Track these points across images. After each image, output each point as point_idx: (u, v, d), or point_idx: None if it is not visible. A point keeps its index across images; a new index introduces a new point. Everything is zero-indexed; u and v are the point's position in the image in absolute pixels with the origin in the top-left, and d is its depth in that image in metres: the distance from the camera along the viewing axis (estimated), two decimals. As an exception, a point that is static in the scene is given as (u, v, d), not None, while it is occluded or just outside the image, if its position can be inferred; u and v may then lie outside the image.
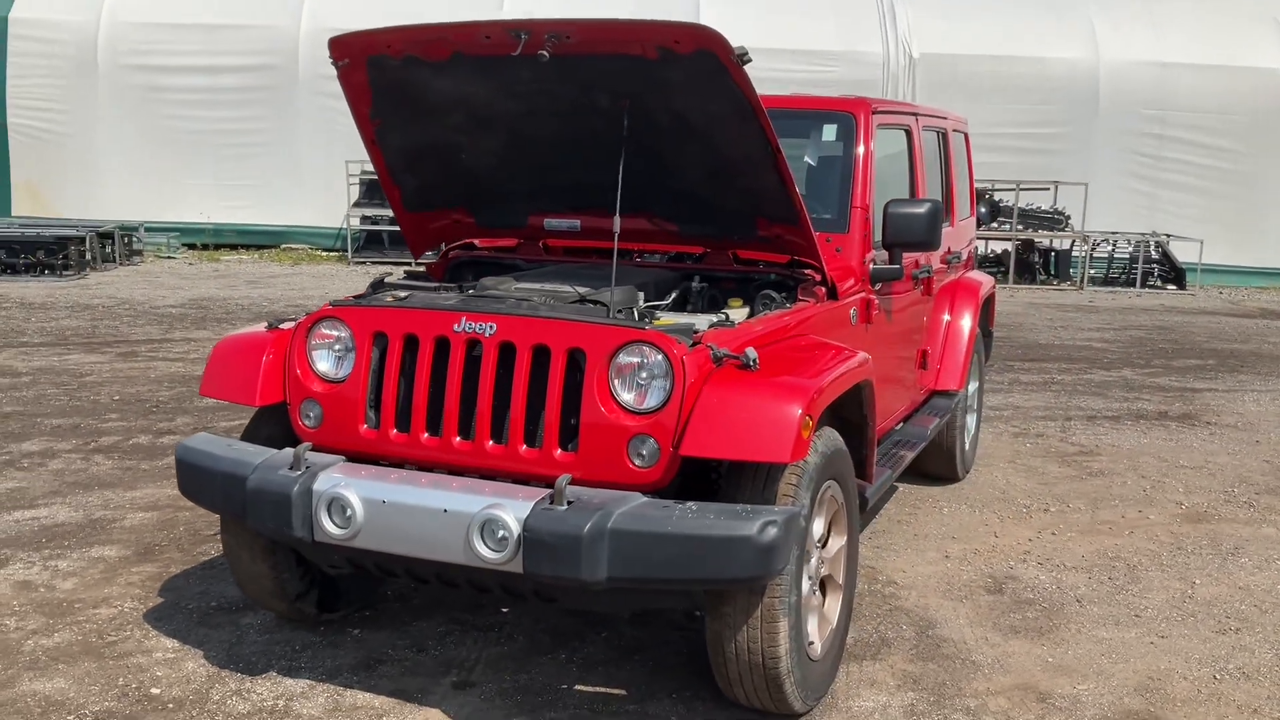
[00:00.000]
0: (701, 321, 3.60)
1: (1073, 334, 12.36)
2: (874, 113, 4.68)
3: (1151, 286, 17.45)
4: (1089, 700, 3.74)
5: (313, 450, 3.50)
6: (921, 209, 4.37)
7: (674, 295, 4.11)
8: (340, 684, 3.69)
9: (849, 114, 4.64)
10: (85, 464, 6.15)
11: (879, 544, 5.18)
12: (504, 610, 4.27)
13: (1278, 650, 4.18)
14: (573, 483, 3.17)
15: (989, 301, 6.48)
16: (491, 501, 3.12)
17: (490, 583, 3.32)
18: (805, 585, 3.40)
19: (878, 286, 4.61)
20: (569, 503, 3.08)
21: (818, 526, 3.52)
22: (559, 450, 3.29)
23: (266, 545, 3.77)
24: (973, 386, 6.34)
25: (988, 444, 7.05)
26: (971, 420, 6.41)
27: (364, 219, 18.04)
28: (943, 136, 5.87)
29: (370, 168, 4.47)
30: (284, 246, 18.93)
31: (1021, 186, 17.31)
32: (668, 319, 3.61)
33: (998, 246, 17.99)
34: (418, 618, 4.22)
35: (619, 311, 3.47)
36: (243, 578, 3.94)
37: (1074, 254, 17.99)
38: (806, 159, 4.75)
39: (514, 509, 3.08)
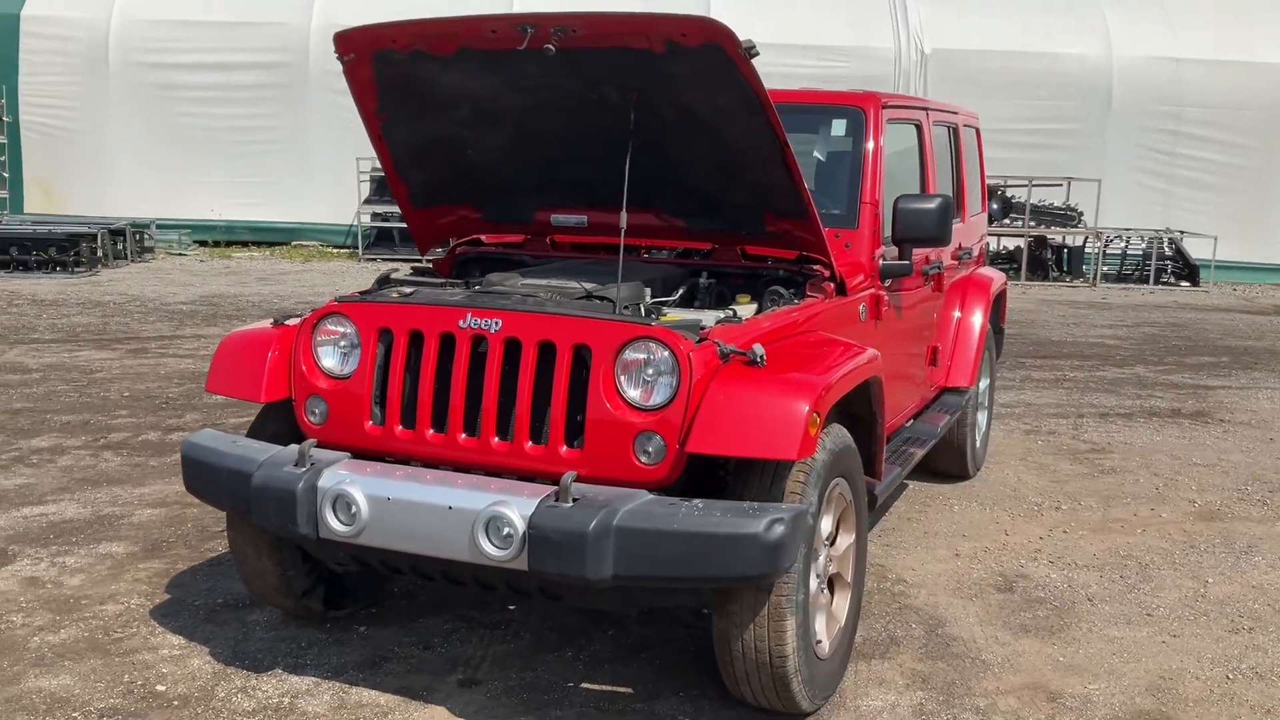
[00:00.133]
0: (708, 318, 3.57)
1: (1085, 331, 12.29)
2: (884, 107, 4.64)
3: (1165, 283, 17.35)
4: (1100, 700, 3.70)
5: (318, 447, 3.48)
6: (932, 204, 4.34)
7: (681, 291, 4.09)
8: (346, 681, 3.68)
9: (858, 109, 4.60)
10: (94, 460, 6.16)
11: (888, 541, 5.15)
12: (511, 608, 4.25)
13: (1292, 650, 4.14)
14: (578, 480, 3.15)
15: (1000, 298, 6.44)
16: (496, 499, 3.10)
17: (496, 580, 3.30)
18: (813, 583, 3.37)
19: (887, 283, 4.57)
20: (574, 500, 3.06)
21: (826, 524, 3.49)
22: (565, 447, 3.27)
23: (272, 542, 3.76)
24: (984, 383, 6.30)
25: (999, 441, 7.00)
26: (982, 417, 6.38)
27: (375, 216, 18.05)
28: (953, 131, 5.83)
29: (380, 164, 4.47)
30: (295, 243, 18.96)
31: (1034, 183, 17.24)
32: (674, 315, 3.58)
33: (1010, 243, 17.91)
34: (424, 615, 4.20)
35: (625, 307, 3.45)
36: (249, 574, 3.93)
37: (1087, 250, 17.91)
38: (816, 154, 4.72)
39: (519, 506, 3.06)
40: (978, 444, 6.22)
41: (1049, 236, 17.86)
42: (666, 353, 3.19)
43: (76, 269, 14.82)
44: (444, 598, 4.33)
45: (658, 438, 3.18)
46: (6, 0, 18.83)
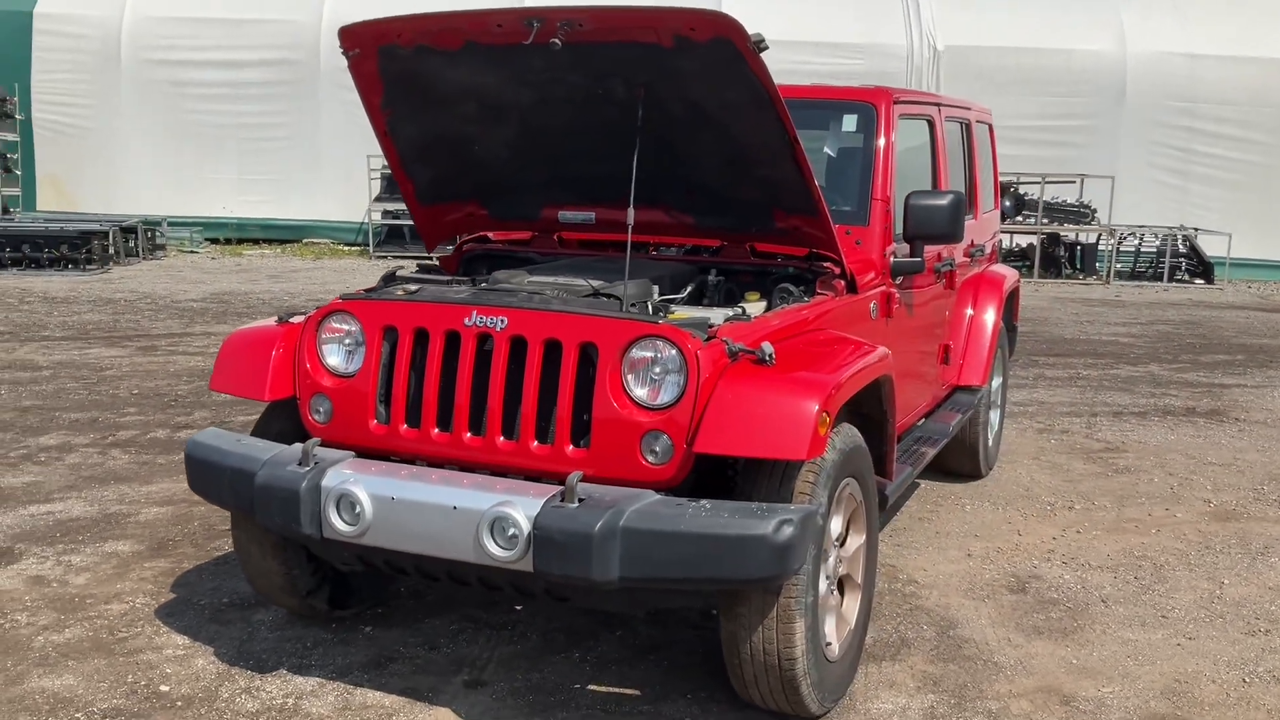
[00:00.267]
0: (717, 315, 3.53)
1: (1099, 329, 12.21)
2: (895, 103, 4.59)
3: (1179, 281, 17.24)
4: (1114, 704, 3.65)
5: (322, 446, 3.45)
6: (944, 201, 4.29)
7: (689, 289, 4.04)
8: (350, 682, 3.65)
9: (870, 104, 4.55)
10: (102, 458, 6.14)
11: (899, 542, 5.10)
12: (517, 608, 4.22)
13: (1309, 653, 4.08)
14: (585, 480, 3.11)
15: (1013, 295, 6.38)
16: (501, 499, 3.07)
17: (501, 581, 3.27)
18: (822, 585, 3.33)
19: (898, 280, 4.52)
20: (580, 500, 3.02)
21: (836, 525, 3.44)
22: (571, 446, 3.23)
23: (277, 541, 3.73)
24: (996, 382, 6.24)
25: (1011, 440, 6.94)
26: (995, 416, 6.32)
27: (385, 213, 18.06)
28: (966, 128, 5.77)
29: (386, 161, 4.43)
30: (306, 241, 18.97)
31: (1047, 180, 17.14)
32: (682, 313, 3.54)
33: (1023, 240, 17.81)
34: (431, 615, 4.17)
35: (632, 305, 3.41)
36: (253, 574, 3.90)
37: (1100, 248, 17.82)
38: (826, 150, 4.66)
39: (524, 506, 3.02)
40: (990, 443, 6.16)
41: (1062, 233, 17.76)
42: (674, 351, 3.15)
43: (88, 266, 14.85)
44: (450, 597, 4.30)
45: (665, 437, 3.13)
46: (19, -2, 18.91)
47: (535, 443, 3.27)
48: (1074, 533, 5.32)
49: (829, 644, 3.43)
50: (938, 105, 5.23)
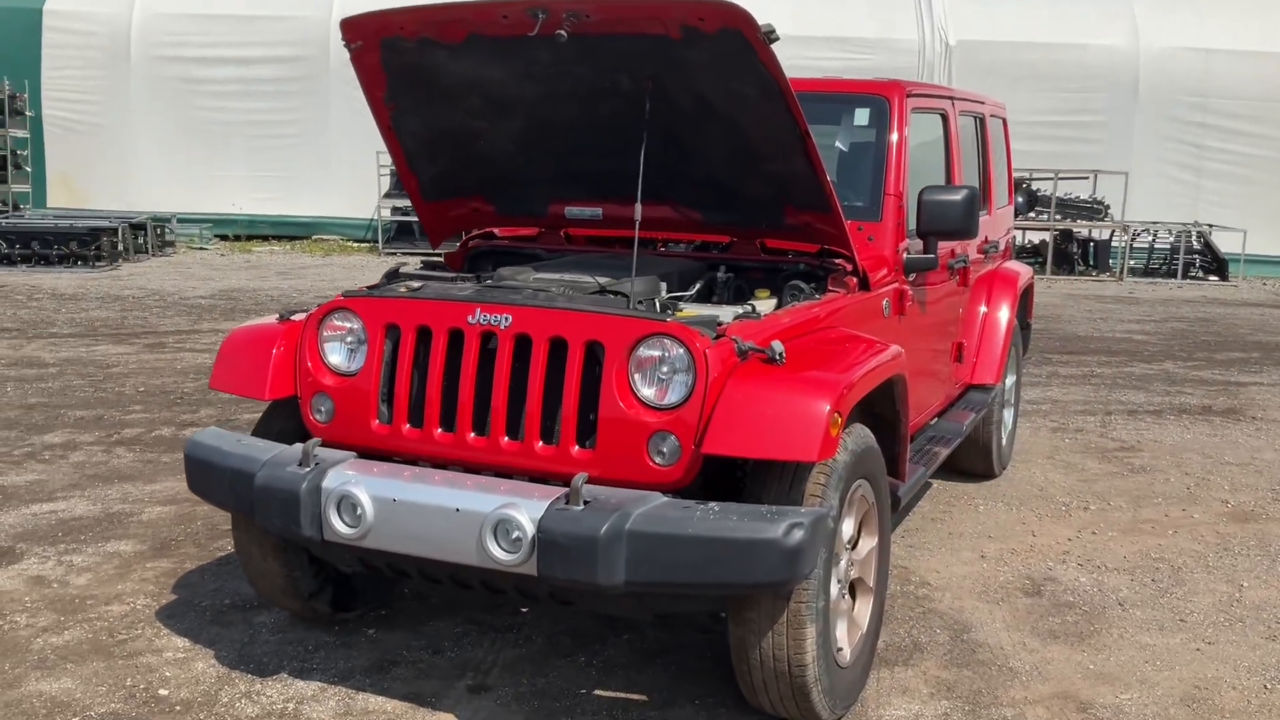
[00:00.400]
0: (726, 313, 3.46)
1: (1112, 326, 12.10)
2: (908, 96, 4.51)
3: (1193, 277, 17.09)
4: (1132, 711, 3.56)
5: (323, 446, 3.39)
6: (958, 196, 4.20)
7: (698, 286, 3.96)
8: (352, 687, 3.58)
9: (882, 97, 4.46)
10: (106, 456, 6.09)
11: (912, 543, 5.01)
12: (523, 610, 4.15)
13: (1332, 659, 3.99)
14: (590, 481, 3.04)
15: (1027, 292, 6.29)
16: (505, 501, 3.00)
17: (505, 585, 3.20)
18: (834, 589, 3.25)
19: (911, 277, 4.44)
20: (585, 502, 2.95)
21: (847, 527, 3.37)
22: (576, 447, 3.16)
23: (278, 543, 3.67)
24: (1010, 380, 6.15)
25: (1025, 439, 6.85)
26: (1008, 415, 6.23)
27: (395, 210, 18.01)
28: (980, 122, 5.68)
29: (390, 156, 4.36)
30: (315, 238, 18.93)
31: (1060, 175, 17.00)
32: (691, 310, 3.47)
33: (1035, 237, 17.67)
34: (435, 617, 4.10)
35: (640, 302, 3.34)
36: (254, 576, 3.84)
37: (1113, 244, 17.69)
38: (838, 144, 4.58)
39: (528, 509, 2.95)
40: (1004, 442, 6.07)
41: (1075, 230, 17.62)
42: (682, 350, 3.07)
43: (97, 263, 14.82)
44: (455, 600, 4.23)
45: (672, 438, 3.06)
46: (29, -5, 18.90)
47: (540, 443, 3.20)
48: (1089, 534, 5.23)
49: (840, 649, 3.35)
50: (951, 99, 5.14)
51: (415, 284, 3.74)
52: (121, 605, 4.18)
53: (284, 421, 3.69)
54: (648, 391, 3.11)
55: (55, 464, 5.94)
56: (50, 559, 4.61)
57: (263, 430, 3.73)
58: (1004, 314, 5.71)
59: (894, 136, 4.39)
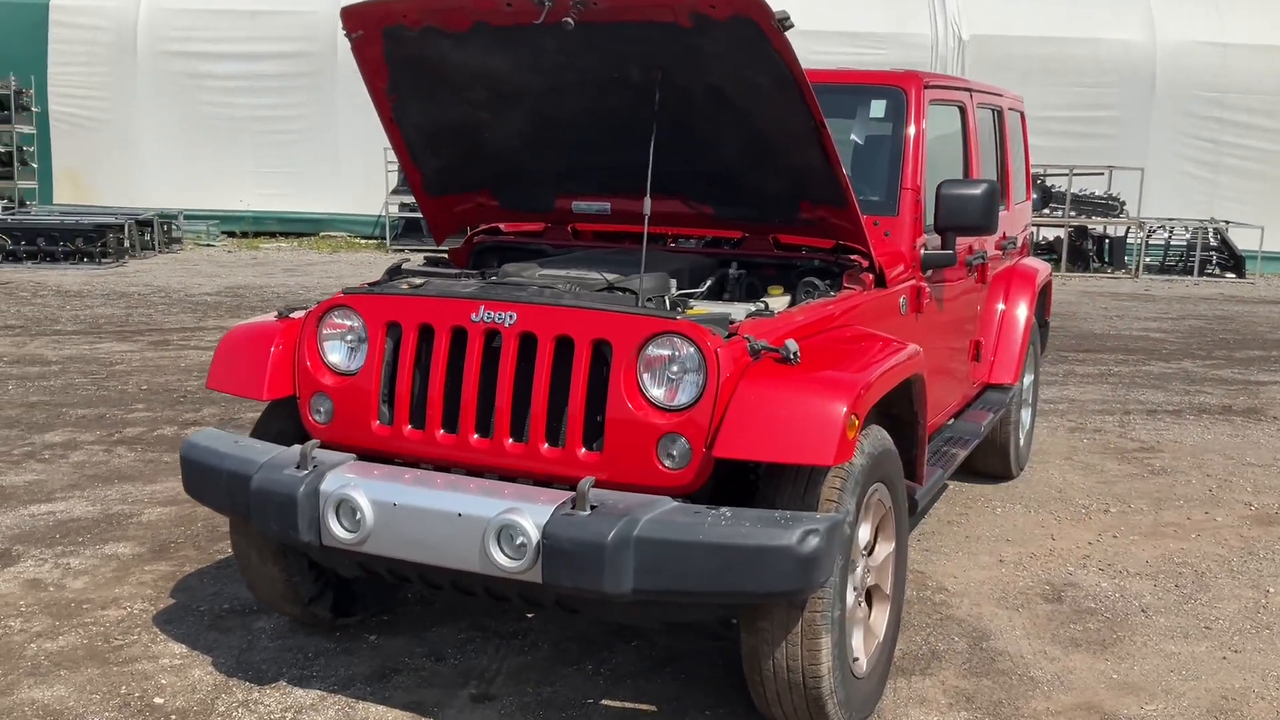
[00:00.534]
0: (738, 311, 3.34)
1: (1129, 323, 11.95)
2: (926, 87, 4.38)
3: (1209, 274, 16.91)
4: (1159, 723, 3.45)
5: (322, 447, 3.28)
6: (977, 190, 4.08)
7: (709, 283, 3.84)
8: (353, 695, 3.48)
9: (899, 89, 4.34)
10: (107, 456, 6.00)
11: (928, 546, 4.89)
12: (528, 615, 4.04)
13: (1365, 668, 3.85)
14: (597, 485, 2.93)
15: (1045, 289, 6.16)
16: (509, 505, 2.88)
17: (509, 592, 3.09)
18: (850, 597, 3.14)
19: (929, 273, 4.32)
20: (592, 507, 2.84)
21: (864, 533, 3.25)
22: (583, 450, 3.05)
23: (277, 547, 3.56)
24: (1028, 379, 6.02)
25: (1042, 439, 6.72)
26: (1026, 415, 6.10)
27: (403, 206, 17.91)
28: (998, 115, 5.55)
29: (393, 149, 4.25)
30: (323, 234, 18.86)
31: (1075, 171, 16.82)
32: (702, 308, 3.35)
33: (1050, 233, 17.51)
34: (438, 622, 4.00)
35: (649, 300, 3.22)
36: (253, 580, 3.74)
37: (1129, 241, 17.51)
38: (853, 137, 4.46)
39: (533, 514, 2.84)
40: (1021, 443, 5.94)
41: (1090, 226, 17.45)
42: (693, 349, 2.96)
43: (103, 260, 14.76)
44: (459, 604, 4.12)
45: (682, 440, 2.95)
46: (36, -9, 18.85)
47: (545, 445, 3.09)
48: (1110, 537, 5.10)
49: (856, 659, 3.24)
50: (969, 91, 5.01)
51: (417, 281, 3.63)
52: (118, 610, 4.08)
53: (283, 422, 3.58)
54: (657, 392, 3.00)
55: (55, 464, 5.85)
56: (47, 561, 4.51)
57: (261, 431, 3.63)
58: (1022, 311, 5.58)
59: (911, 129, 4.26)
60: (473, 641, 3.86)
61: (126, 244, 15.38)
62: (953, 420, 5.06)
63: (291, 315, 3.58)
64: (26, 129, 18.33)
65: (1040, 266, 6.06)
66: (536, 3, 3.27)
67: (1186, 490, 5.86)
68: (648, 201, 3.40)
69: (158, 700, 3.44)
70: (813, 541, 2.74)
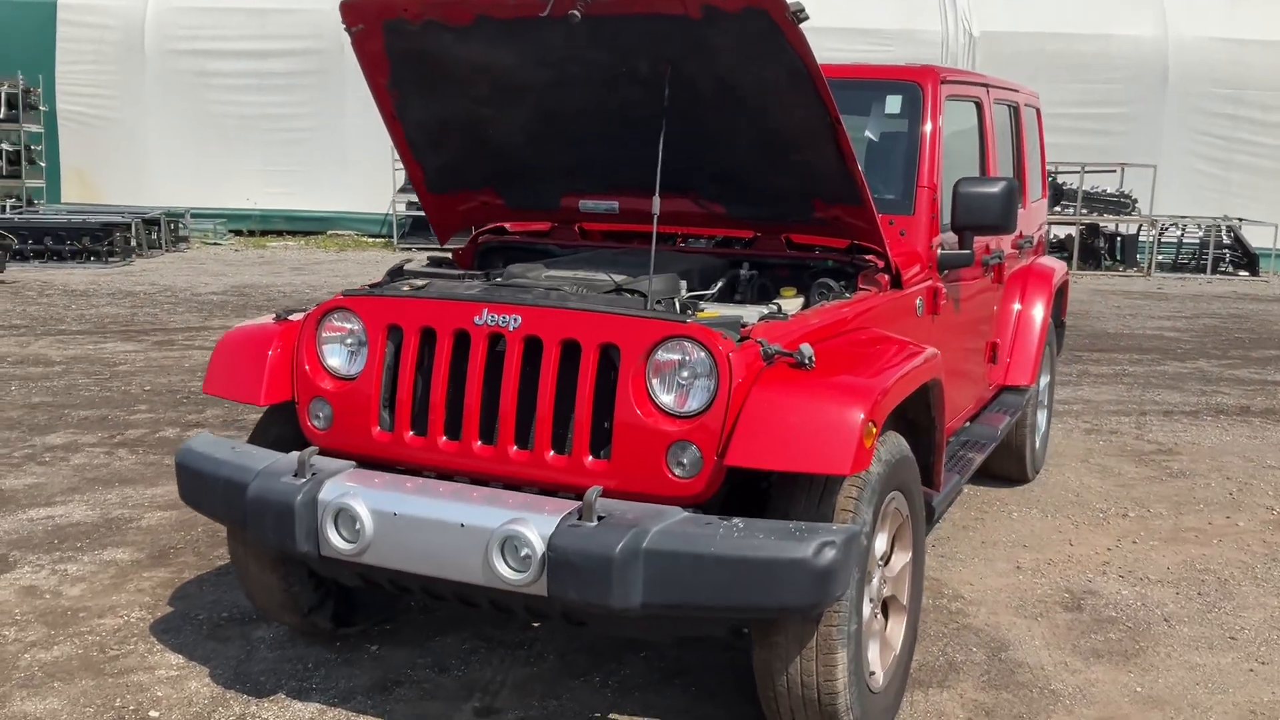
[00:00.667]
0: (750, 313, 3.23)
1: (1142, 322, 11.81)
2: (942, 83, 4.27)
3: (1223, 273, 16.76)
4: (1186, 739, 3.33)
5: (321, 454, 3.18)
6: (995, 188, 3.96)
7: (720, 284, 3.73)
8: (353, 708, 3.38)
9: (915, 84, 4.23)
10: (108, 458, 5.91)
11: (943, 552, 4.78)
12: (534, 625, 3.93)
13: (1397, 681, 3.73)
14: (605, 494, 2.82)
15: (1062, 289, 6.03)
16: (513, 516, 2.78)
17: (514, 604, 2.98)
18: (866, 609, 3.03)
19: (945, 273, 4.20)
20: (599, 518, 2.73)
21: (880, 543, 3.14)
22: (590, 458, 2.94)
23: (276, 555, 3.46)
24: (1044, 381, 5.90)
25: (1058, 441, 6.60)
26: (1042, 417, 5.99)
27: (410, 205, 17.84)
28: (1015, 111, 5.43)
29: (395, 146, 4.15)
30: (330, 233, 18.80)
31: (1086, 168, 16.67)
32: (713, 311, 3.24)
33: (1061, 231, 17.35)
34: (442, 632, 3.90)
35: (658, 302, 3.11)
36: (252, 589, 3.64)
37: (1141, 239, 17.35)
38: (868, 134, 4.34)
39: (538, 524, 2.74)
40: (1037, 445, 5.83)
41: (1102, 224, 17.30)
42: (703, 353, 2.85)
43: (110, 259, 14.70)
44: (463, 614, 4.01)
45: (693, 448, 2.84)
46: (43, -11, 18.81)
47: (551, 453, 2.99)
48: (1130, 543, 4.98)
49: (873, 673, 3.13)
50: (986, 86, 4.89)
51: (419, 282, 3.53)
52: (115, 618, 3.99)
53: (281, 428, 3.48)
54: (667, 398, 2.89)
55: (55, 466, 5.76)
56: (44, 568, 4.42)
57: (259, 437, 3.53)
58: (1039, 312, 5.46)
59: (927, 126, 4.15)
60: (477, 652, 3.76)
61: (133, 243, 15.31)
62: (969, 423, 4.94)
63: (290, 318, 3.48)
64: (34, 128, 18.29)
65: (1056, 265, 5.94)
66: (541, -5, 3.17)
67: (1206, 494, 5.74)
68: (657, 200, 3.29)
69: (153, 714, 3.34)
70: (829, 554, 2.63)
